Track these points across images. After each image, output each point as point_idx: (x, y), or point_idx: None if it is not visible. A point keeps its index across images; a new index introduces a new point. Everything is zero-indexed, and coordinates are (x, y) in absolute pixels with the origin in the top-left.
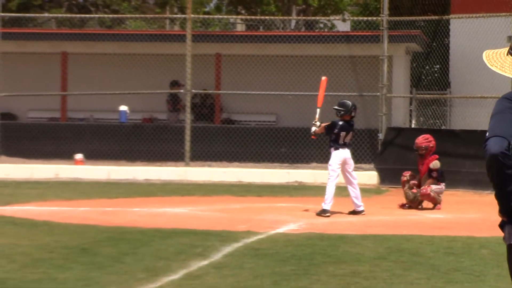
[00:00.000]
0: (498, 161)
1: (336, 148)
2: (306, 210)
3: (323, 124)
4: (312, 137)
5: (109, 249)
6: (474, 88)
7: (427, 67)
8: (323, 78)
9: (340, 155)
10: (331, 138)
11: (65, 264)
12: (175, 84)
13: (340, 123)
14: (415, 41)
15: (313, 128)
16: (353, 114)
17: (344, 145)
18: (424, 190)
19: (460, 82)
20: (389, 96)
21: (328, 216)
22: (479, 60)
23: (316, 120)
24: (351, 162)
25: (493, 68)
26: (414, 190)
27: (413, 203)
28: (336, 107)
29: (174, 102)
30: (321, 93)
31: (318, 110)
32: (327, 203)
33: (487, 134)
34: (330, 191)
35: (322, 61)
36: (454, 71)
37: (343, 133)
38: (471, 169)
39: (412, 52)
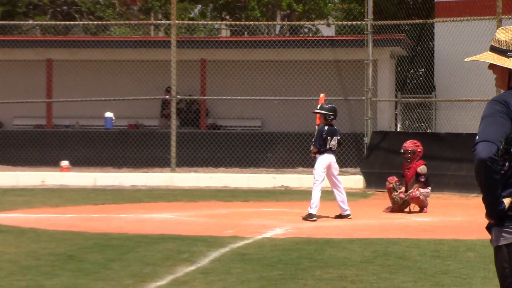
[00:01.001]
0: (487, 166)
1: (321, 153)
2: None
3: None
4: (312, 155)
5: (96, 256)
6: (459, 92)
7: (412, 71)
8: (322, 95)
9: (325, 160)
10: (320, 146)
11: (52, 271)
12: (170, 90)
13: (326, 127)
14: (399, 45)
15: (312, 147)
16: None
17: (329, 150)
18: (413, 193)
19: (445, 85)
20: (375, 100)
21: (314, 221)
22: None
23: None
24: (336, 166)
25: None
26: (402, 195)
27: (401, 208)
28: (325, 112)
29: (166, 109)
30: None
31: (317, 127)
32: (313, 208)
33: (476, 138)
34: (316, 195)
35: (307, 66)
36: (439, 74)
37: (329, 138)
38: (457, 172)
39: (397, 56)
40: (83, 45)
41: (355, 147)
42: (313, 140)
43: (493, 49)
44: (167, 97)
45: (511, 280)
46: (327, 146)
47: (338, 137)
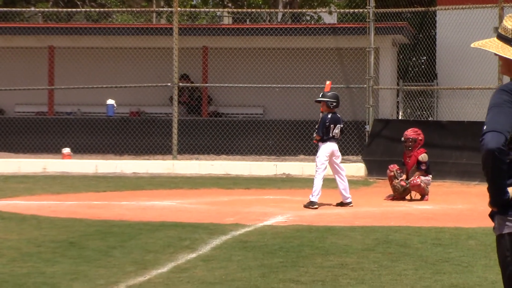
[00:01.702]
0: (495, 156)
1: (324, 141)
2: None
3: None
4: (315, 141)
5: (97, 243)
6: (460, 80)
7: (413, 59)
8: (328, 82)
9: (328, 148)
10: (324, 133)
11: (53, 258)
12: (184, 77)
13: (329, 115)
14: (401, 32)
15: (315, 134)
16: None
17: (332, 138)
18: (414, 181)
19: (447, 73)
20: (376, 88)
21: (316, 208)
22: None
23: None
24: (338, 154)
25: (472, 45)
26: (403, 183)
27: (402, 195)
28: (327, 99)
29: (182, 96)
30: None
31: (321, 115)
32: (315, 195)
33: (484, 128)
34: (317, 183)
35: (309, 54)
36: (440, 62)
37: (332, 126)
38: (458, 160)
39: (399, 44)
40: (85, 32)
41: (356, 134)
42: (316, 127)
43: (500, 37)
44: (168, 84)
45: None
46: (330, 134)
47: (341, 125)
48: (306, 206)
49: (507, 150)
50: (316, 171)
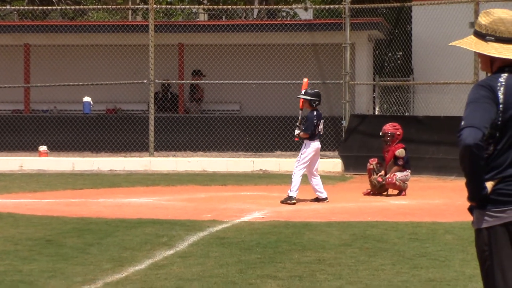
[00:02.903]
0: (472, 152)
1: (312, 139)
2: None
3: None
4: (296, 139)
5: (74, 240)
6: (437, 75)
7: (389, 54)
8: (305, 80)
9: (315, 146)
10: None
11: (30, 256)
12: (196, 73)
13: (314, 113)
14: (377, 28)
15: (297, 131)
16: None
17: (318, 136)
18: (389, 179)
19: (423, 68)
20: (352, 84)
21: (293, 204)
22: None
23: (300, 122)
24: (319, 152)
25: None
26: (380, 179)
27: (379, 191)
28: (310, 98)
29: (196, 93)
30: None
31: (300, 112)
32: (293, 191)
33: (462, 123)
34: (297, 179)
35: (285, 50)
36: (416, 57)
37: (319, 123)
38: (435, 155)
39: (375, 39)
40: (60, 30)
41: (333, 130)
42: (297, 124)
43: (475, 33)
44: (144, 81)
45: (490, 263)
46: (316, 132)
47: (324, 121)
48: (283, 202)
49: (484, 146)
50: (297, 166)
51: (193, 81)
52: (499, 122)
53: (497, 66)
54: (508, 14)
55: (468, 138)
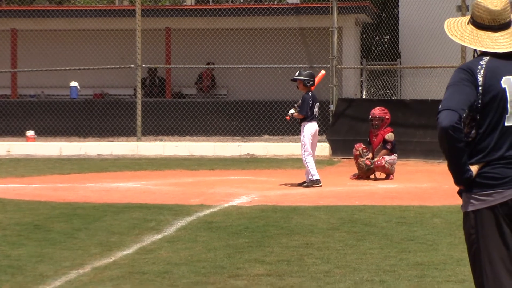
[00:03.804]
0: (449, 134)
1: (309, 120)
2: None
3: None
4: (287, 118)
5: (62, 225)
6: (424, 58)
7: (377, 38)
8: (323, 72)
9: (313, 127)
10: (307, 113)
11: (18, 241)
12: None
13: (310, 94)
14: (364, 12)
15: (292, 110)
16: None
17: (314, 117)
18: (378, 162)
19: (410, 52)
20: (340, 68)
21: (320, 186)
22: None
23: (298, 104)
24: (317, 134)
25: (453, 38)
26: (368, 162)
27: (366, 174)
28: (304, 78)
29: (204, 81)
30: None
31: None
32: (313, 174)
33: (440, 106)
34: (310, 161)
35: (272, 34)
36: (404, 41)
37: (314, 104)
38: (422, 139)
39: (362, 23)
40: (47, 15)
41: (320, 114)
42: (294, 104)
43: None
44: (132, 66)
45: (477, 246)
46: (312, 114)
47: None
48: (307, 186)
49: (462, 128)
50: (305, 151)
51: (179, 66)
52: (479, 105)
53: (481, 50)
54: (487, 0)
55: (445, 120)
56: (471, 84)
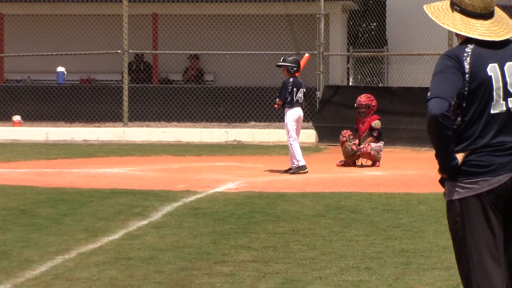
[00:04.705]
0: (438, 122)
1: (290, 106)
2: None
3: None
4: (275, 106)
5: (48, 210)
6: (410, 46)
7: (363, 25)
8: (306, 55)
9: (295, 113)
10: (286, 98)
11: (4, 226)
12: (194, 57)
13: (291, 80)
14: None
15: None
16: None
17: (297, 103)
18: (364, 149)
19: (397, 39)
20: (326, 55)
21: (306, 172)
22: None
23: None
24: (302, 120)
25: (446, 26)
26: (354, 147)
27: (351, 159)
28: (287, 64)
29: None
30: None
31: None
32: (298, 160)
33: (428, 94)
34: (296, 147)
35: (259, 20)
36: (390, 28)
37: (295, 89)
38: (409, 126)
39: (349, 10)
40: (34, 0)
41: (307, 101)
42: (278, 93)
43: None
44: (118, 51)
45: (463, 234)
46: (294, 99)
47: (304, 90)
48: (294, 173)
49: (451, 116)
50: (290, 137)
51: (166, 52)
52: (465, 92)
53: (463, 37)
54: None
55: (434, 108)
56: (458, 72)
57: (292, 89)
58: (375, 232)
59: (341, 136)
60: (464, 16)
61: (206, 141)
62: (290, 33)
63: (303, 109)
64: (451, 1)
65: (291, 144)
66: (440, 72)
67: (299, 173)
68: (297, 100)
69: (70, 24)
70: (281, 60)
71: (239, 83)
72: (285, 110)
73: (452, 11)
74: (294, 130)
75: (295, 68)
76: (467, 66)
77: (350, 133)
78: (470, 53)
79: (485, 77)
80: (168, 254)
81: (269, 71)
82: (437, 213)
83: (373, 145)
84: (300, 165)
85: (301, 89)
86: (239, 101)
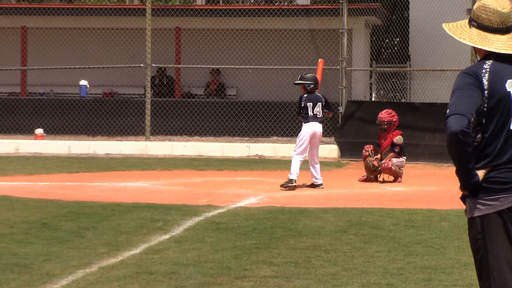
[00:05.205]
0: (459, 139)
1: (306, 121)
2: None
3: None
4: (299, 117)
5: (70, 224)
6: (433, 61)
7: (386, 40)
8: (320, 60)
9: (309, 128)
10: (301, 113)
11: (26, 239)
12: (216, 71)
13: (305, 95)
14: (374, 14)
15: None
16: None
17: (315, 118)
18: (385, 164)
19: (420, 55)
20: (349, 70)
21: (293, 187)
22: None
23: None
24: (320, 134)
25: (462, 40)
26: (376, 163)
27: (372, 174)
28: (303, 82)
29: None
30: (318, 75)
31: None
32: (293, 174)
33: (447, 111)
34: (294, 163)
35: (282, 35)
36: (413, 44)
37: (309, 104)
38: (431, 142)
39: (372, 25)
40: (58, 13)
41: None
42: None
43: (469, 17)
44: (141, 65)
45: (484, 251)
46: (310, 113)
47: (323, 103)
48: (283, 186)
49: (471, 133)
50: (295, 150)
51: (188, 66)
52: (484, 109)
53: (483, 53)
54: (494, 3)
55: (454, 125)
56: (476, 88)
57: (305, 104)
58: (397, 248)
59: (363, 151)
60: (481, 31)
61: (228, 156)
62: (313, 48)
63: (323, 123)
64: (469, 18)
65: (293, 156)
66: (459, 89)
67: (288, 186)
68: (316, 115)
69: (93, 37)
70: (299, 78)
71: (261, 97)
72: (302, 125)
73: (470, 27)
74: (301, 144)
75: (312, 86)
76: (485, 82)
77: (373, 147)
78: (488, 69)
79: (504, 93)
80: (190, 269)
81: (291, 85)
82: (459, 230)
83: (394, 160)
84: (290, 177)
85: (318, 103)
86: (261, 115)
